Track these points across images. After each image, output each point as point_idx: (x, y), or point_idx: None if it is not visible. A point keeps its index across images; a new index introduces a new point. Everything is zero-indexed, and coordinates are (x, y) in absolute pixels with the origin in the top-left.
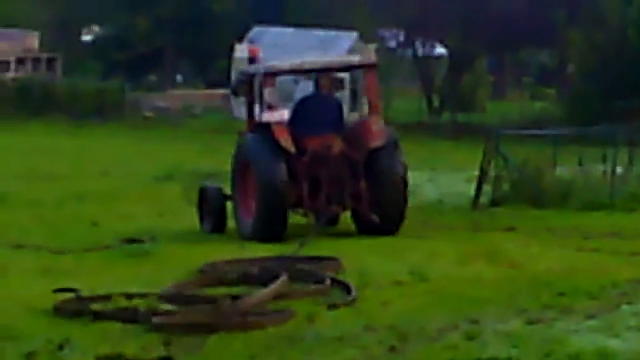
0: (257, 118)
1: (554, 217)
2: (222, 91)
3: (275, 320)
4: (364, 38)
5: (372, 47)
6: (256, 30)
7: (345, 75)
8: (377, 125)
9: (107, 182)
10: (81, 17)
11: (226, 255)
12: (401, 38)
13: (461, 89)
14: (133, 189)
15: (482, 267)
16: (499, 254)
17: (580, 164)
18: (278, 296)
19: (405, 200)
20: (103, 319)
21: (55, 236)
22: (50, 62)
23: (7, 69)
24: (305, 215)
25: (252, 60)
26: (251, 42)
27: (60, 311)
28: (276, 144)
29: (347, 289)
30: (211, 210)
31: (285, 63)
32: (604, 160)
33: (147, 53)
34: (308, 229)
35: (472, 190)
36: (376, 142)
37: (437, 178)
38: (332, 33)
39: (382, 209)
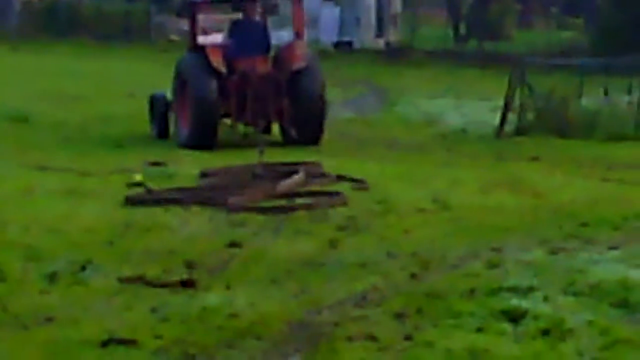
0: (194, 40)
1: (578, 147)
2: None
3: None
4: None
5: None
6: None
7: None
8: (301, 49)
9: (132, 105)
10: None
11: None
12: None
13: (488, 16)
14: None
15: (505, 196)
16: (522, 184)
17: (606, 94)
18: (301, 185)
19: (323, 117)
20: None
21: (80, 158)
22: None
23: None
24: (232, 126)
25: None
26: None
27: (134, 201)
28: (209, 65)
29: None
30: (156, 115)
31: None
32: (629, 91)
33: None
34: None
35: (496, 119)
36: (299, 64)
37: (462, 106)
38: None
39: (303, 124)
